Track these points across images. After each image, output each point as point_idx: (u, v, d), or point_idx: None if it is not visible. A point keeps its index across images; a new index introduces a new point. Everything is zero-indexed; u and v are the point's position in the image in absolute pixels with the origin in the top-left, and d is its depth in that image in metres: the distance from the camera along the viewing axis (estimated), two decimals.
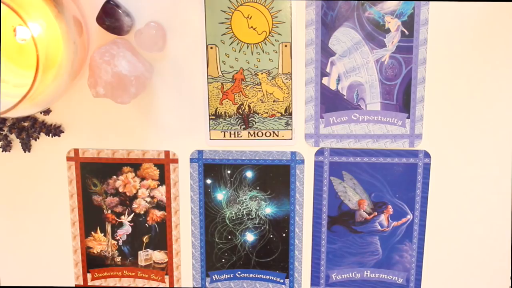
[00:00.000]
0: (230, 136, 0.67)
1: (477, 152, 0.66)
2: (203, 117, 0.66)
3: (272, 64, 0.64)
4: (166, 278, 0.72)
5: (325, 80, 0.65)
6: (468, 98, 0.64)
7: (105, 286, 0.72)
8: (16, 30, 0.57)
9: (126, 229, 0.71)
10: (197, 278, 0.72)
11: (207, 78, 0.65)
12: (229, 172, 0.68)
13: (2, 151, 0.68)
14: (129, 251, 0.71)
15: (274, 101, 0.66)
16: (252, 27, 0.63)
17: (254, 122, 0.66)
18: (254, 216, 0.69)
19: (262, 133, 0.66)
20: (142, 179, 0.69)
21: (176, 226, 0.70)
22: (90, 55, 0.62)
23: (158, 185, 0.69)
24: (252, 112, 0.66)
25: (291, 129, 0.66)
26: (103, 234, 0.71)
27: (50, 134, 0.67)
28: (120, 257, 0.72)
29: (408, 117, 0.65)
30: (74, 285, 0.73)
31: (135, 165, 0.68)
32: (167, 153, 0.68)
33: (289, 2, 0.63)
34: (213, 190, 0.69)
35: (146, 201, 0.70)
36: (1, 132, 0.67)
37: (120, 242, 0.71)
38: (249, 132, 0.67)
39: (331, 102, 0.65)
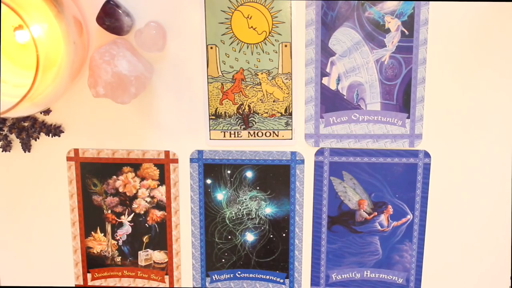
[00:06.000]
0: (230, 136, 0.67)
1: (477, 152, 0.66)
2: (203, 117, 0.66)
3: (272, 64, 0.64)
4: (166, 278, 0.72)
5: (325, 80, 0.65)
6: (468, 98, 0.64)
7: (105, 286, 0.72)
8: (16, 31, 0.57)
9: (126, 229, 0.71)
10: (197, 278, 0.72)
11: (207, 78, 0.65)
12: (229, 172, 0.68)
13: (2, 151, 0.68)
14: (129, 251, 0.71)
15: (274, 101, 0.66)
16: (252, 27, 0.63)
17: (254, 122, 0.66)
18: (254, 216, 0.69)
19: (262, 133, 0.66)
20: (142, 179, 0.69)
21: (176, 226, 0.70)
22: (90, 55, 0.62)
23: (158, 185, 0.69)
24: (252, 112, 0.66)
25: (291, 129, 0.66)
26: (103, 234, 0.71)
27: (50, 134, 0.67)
28: (120, 257, 0.72)
29: (408, 117, 0.65)
30: (74, 285, 0.73)
31: (135, 165, 0.68)
32: (167, 153, 0.68)
33: (289, 2, 0.63)
34: (213, 190, 0.69)
35: (146, 201, 0.70)
36: (1, 132, 0.67)
37: (120, 242, 0.71)
38: (249, 132, 0.67)
39: (331, 102, 0.65)
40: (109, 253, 0.71)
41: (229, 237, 0.70)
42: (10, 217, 0.71)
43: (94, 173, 0.69)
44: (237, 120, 0.66)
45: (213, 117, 0.66)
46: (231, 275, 0.71)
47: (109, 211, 0.70)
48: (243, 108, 0.66)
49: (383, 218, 0.68)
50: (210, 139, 0.67)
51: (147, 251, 0.71)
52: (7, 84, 0.59)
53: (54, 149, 0.68)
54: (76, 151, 0.68)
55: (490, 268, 0.69)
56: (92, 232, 0.71)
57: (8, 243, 0.72)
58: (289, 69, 0.65)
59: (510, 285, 0.70)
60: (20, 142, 0.68)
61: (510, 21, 0.62)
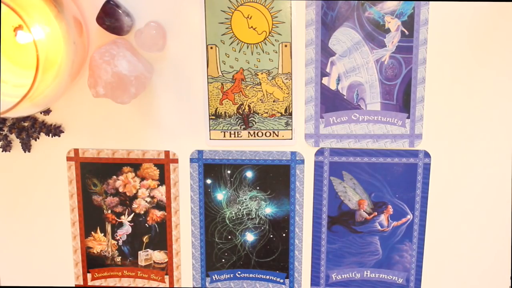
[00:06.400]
0: (230, 136, 0.67)
1: (477, 152, 0.66)
2: (203, 117, 0.66)
3: (272, 64, 0.64)
4: (166, 278, 0.72)
5: (325, 80, 0.65)
6: (468, 98, 0.64)
7: (105, 286, 0.72)
8: (16, 32, 0.57)
9: (126, 229, 0.71)
10: (197, 278, 0.72)
11: (207, 78, 0.65)
12: (229, 172, 0.68)
13: (2, 151, 0.68)
14: (129, 251, 0.71)
15: (274, 101, 0.66)
16: (252, 27, 0.63)
17: (254, 122, 0.66)
18: (254, 216, 0.69)
19: (262, 133, 0.67)
20: (142, 179, 0.69)
21: (176, 226, 0.70)
22: (90, 55, 0.62)
23: (158, 185, 0.69)
24: (252, 112, 0.66)
25: (291, 129, 0.66)
26: (103, 234, 0.71)
27: (50, 134, 0.67)
28: (120, 257, 0.72)
29: (408, 117, 0.65)
30: (74, 285, 0.73)
31: (135, 165, 0.68)
32: (167, 153, 0.68)
33: (289, 2, 0.63)
34: (213, 190, 0.69)
35: (146, 201, 0.70)
36: (1, 132, 0.67)
37: (120, 242, 0.71)
38: (249, 132, 0.67)
39: (331, 102, 0.65)
40: (109, 253, 0.71)
41: (229, 237, 0.70)
42: (10, 217, 0.71)
43: (94, 173, 0.69)
44: (237, 120, 0.66)
45: (213, 117, 0.66)
46: (231, 275, 0.71)
47: (109, 211, 0.70)
48: (243, 108, 0.66)
49: (383, 218, 0.68)
50: (210, 139, 0.67)
51: (147, 251, 0.71)
52: (7, 84, 0.59)
53: (54, 149, 0.68)
54: (76, 151, 0.68)
55: (490, 268, 0.69)
56: (92, 232, 0.71)
57: (8, 243, 0.72)
58: (289, 69, 0.65)
59: (510, 285, 0.70)
60: (20, 142, 0.68)
61: (510, 21, 0.62)
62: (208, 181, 0.69)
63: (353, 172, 0.67)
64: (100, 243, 0.71)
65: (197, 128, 0.67)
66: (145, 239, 0.71)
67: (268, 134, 0.66)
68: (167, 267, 0.71)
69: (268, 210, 0.69)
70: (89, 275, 0.72)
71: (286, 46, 0.64)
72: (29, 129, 0.67)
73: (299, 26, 0.63)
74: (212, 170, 0.68)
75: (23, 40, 0.58)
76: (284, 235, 0.70)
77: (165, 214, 0.70)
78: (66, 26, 0.56)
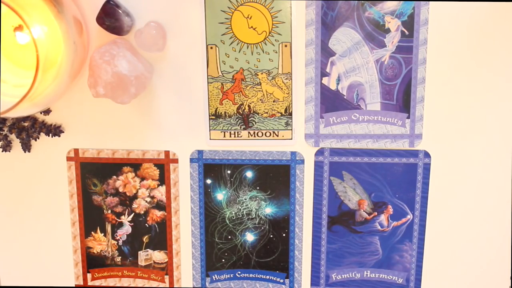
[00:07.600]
0: (230, 136, 0.67)
1: (477, 152, 0.66)
2: (203, 117, 0.66)
3: (272, 64, 0.64)
4: (166, 278, 0.72)
5: (325, 80, 0.65)
6: (468, 98, 0.64)
7: (105, 286, 0.72)
8: (16, 32, 0.57)
9: (126, 229, 0.71)
10: (197, 278, 0.72)
11: (207, 78, 0.65)
12: (229, 172, 0.68)
13: (2, 151, 0.68)
14: (129, 251, 0.71)
15: (274, 101, 0.66)
16: (252, 27, 0.63)
17: (254, 122, 0.66)
18: (254, 216, 0.69)
19: (262, 133, 0.67)
20: (142, 179, 0.69)
21: (176, 226, 0.70)
22: (90, 55, 0.62)
23: (158, 185, 0.69)
24: (252, 112, 0.66)
25: (291, 129, 0.66)
26: (103, 234, 0.71)
27: (50, 134, 0.67)
28: (120, 257, 0.72)
29: (408, 117, 0.65)
30: (74, 285, 0.73)
31: (135, 165, 0.68)
32: (167, 153, 0.68)
33: (289, 2, 0.63)
34: (213, 190, 0.69)
35: (146, 201, 0.70)
36: (1, 132, 0.67)
37: (120, 242, 0.71)
38: (249, 132, 0.67)
39: (331, 102, 0.65)
40: (109, 253, 0.71)
41: (229, 237, 0.70)
42: (10, 217, 0.71)
43: (94, 173, 0.69)
44: (237, 120, 0.66)
45: (213, 117, 0.66)
46: (231, 275, 0.71)
47: (109, 211, 0.70)
48: (243, 108, 0.66)
49: (383, 218, 0.68)
50: (210, 139, 0.67)
51: (147, 251, 0.71)
52: (7, 84, 0.59)
53: (54, 149, 0.68)
54: (76, 151, 0.68)
55: (490, 268, 0.69)
56: (92, 232, 0.71)
57: (8, 243, 0.72)
58: (289, 69, 0.65)
59: (510, 285, 0.70)
60: (20, 142, 0.68)
61: (509, 22, 0.62)
62: (208, 181, 0.69)
63: (353, 172, 0.67)
64: (100, 243, 0.71)
65: (197, 128, 0.67)
66: (145, 239, 0.71)
67: (268, 134, 0.67)
68: (167, 267, 0.71)
69: (268, 210, 0.69)
70: (89, 275, 0.72)
71: (286, 46, 0.64)
72: (29, 129, 0.67)
73: (299, 26, 0.63)
74: (212, 170, 0.68)
75: (23, 40, 0.58)
76: (284, 235, 0.70)
77: (165, 214, 0.70)
78: (66, 26, 0.56)
